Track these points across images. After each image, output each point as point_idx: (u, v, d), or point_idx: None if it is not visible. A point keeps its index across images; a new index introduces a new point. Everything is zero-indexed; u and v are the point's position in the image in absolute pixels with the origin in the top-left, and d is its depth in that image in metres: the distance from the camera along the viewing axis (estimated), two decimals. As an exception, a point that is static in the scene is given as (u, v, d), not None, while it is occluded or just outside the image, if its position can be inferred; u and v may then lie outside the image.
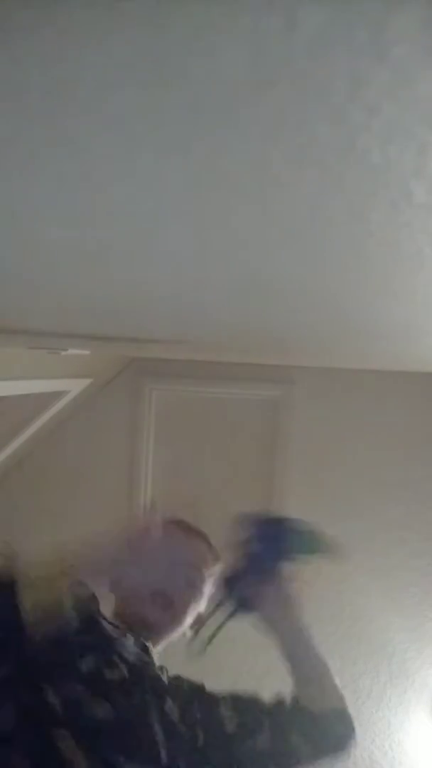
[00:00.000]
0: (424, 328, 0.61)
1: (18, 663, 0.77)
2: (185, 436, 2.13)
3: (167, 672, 0.94)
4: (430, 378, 1.93)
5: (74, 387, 1.79)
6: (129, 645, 0.90)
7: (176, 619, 0.97)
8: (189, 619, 0.99)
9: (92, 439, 2.16)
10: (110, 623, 0.93)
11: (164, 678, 0.92)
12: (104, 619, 0.92)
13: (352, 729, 0.97)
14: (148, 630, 0.95)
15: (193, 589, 0.99)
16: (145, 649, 0.93)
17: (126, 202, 0.26)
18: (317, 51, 0.15)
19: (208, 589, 1.03)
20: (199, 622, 1.02)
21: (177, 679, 0.95)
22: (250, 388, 2.05)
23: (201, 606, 1.02)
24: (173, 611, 0.97)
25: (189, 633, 1.02)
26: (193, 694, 0.94)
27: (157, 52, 0.15)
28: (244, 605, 0.96)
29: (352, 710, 1.08)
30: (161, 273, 0.40)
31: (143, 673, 0.87)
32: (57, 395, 1.76)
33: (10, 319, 0.69)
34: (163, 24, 0.14)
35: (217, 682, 1.00)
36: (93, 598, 0.93)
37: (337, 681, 1.07)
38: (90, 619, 0.89)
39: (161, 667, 0.94)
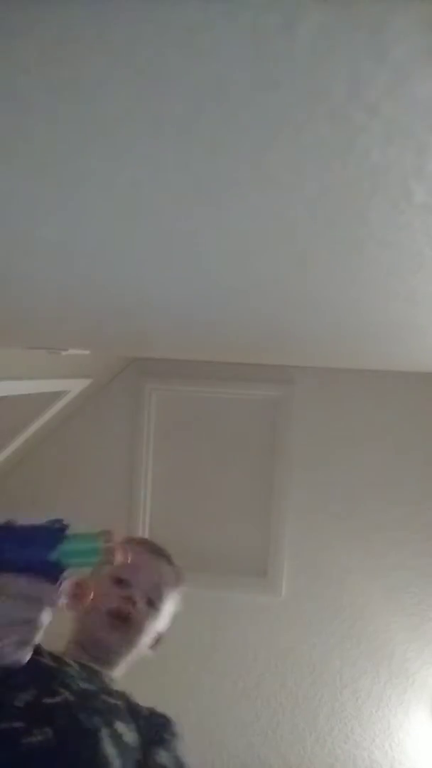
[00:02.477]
0: (423, 328, 0.61)
1: None
2: (185, 436, 2.13)
3: (130, 697, 0.91)
4: (430, 378, 1.93)
5: (74, 387, 1.80)
6: (72, 672, 0.88)
7: (132, 640, 0.96)
8: (146, 639, 0.98)
9: (92, 439, 2.16)
10: (51, 655, 0.90)
11: (121, 703, 0.88)
12: (42, 653, 0.89)
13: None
14: (104, 651, 0.94)
15: (152, 609, 0.98)
16: (95, 674, 0.91)
17: (126, 202, 0.26)
18: (317, 51, 0.15)
19: (168, 608, 1.02)
20: (159, 642, 1.02)
21: (137, 705, 0.91)
22: (250, 388, 2.05)
23: (160, 625, 1.01)
24: (128, 632, 0.95)
25: (148, 653, 1.01)
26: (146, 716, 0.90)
27: (157, 51, 0.15)
28: None
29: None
30: (161, 273, 0.40)
31: (91, 696, 0.85)
32: (57, 395, 1.76)
33: (10, 319, 0.69)
34: (164, 23, 0.14)
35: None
36: None
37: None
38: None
39: (121, 692, 0.91)
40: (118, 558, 0.67)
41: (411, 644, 2.00)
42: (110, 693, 0.88)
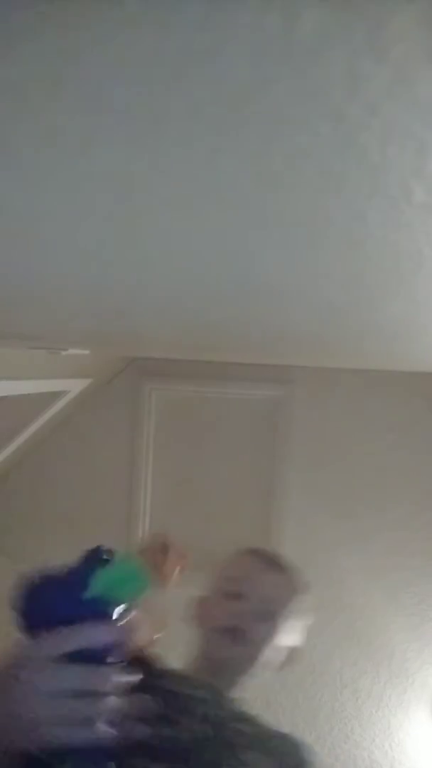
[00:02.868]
0: (423, 328, 0.61)
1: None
2: (185, 436, 2.13)
3: (258, 719, 0.86)
4: (430, 378, 1.93)
5: (74, 387, 1.80)
6: (197, 695, 0.84)
7: (250, 656, 0.91)
8: (269, 655, 0.92)
9: (92, 439, 2.16)
10: (175, 676, 0.86)
11: (247, 726, 0.84)
12: (165, 676, 0.85)
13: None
14: (222, 669, 0.89)
15: (269, 623, 0.92)
16: (219, 695, 0.87)
17: (125, 202, 0.26)
18: (316, 50, 0.15)
19: (291, 621, 0.96)
20: (294, 657, 0.97)
21: (267, 730, 0.86)
22: (250, 388, 2.05)
23: (284, 640, 0.95)
24: (245, 648, 0.90)
25: (278, 669, 0.96)
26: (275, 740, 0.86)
27: (156, 51, 0.15)
28: None
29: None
30: (161, 272, 0.40)
31: (219, 724, 0.80)
32: (57, 395, 1.76)
33: (10, 320, 0.69)
34: (163, 23, 0.14)
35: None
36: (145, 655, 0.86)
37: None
38: (149, 677, 0.80)
39: (248, 715, 0.87)
40: (169, 574, 0.64)
41: (411, 644, 2.00)
42: (238, 718, 0.84)
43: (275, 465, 2.06)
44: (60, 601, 0.60)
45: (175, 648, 0.94)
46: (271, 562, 1.00)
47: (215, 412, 2.11)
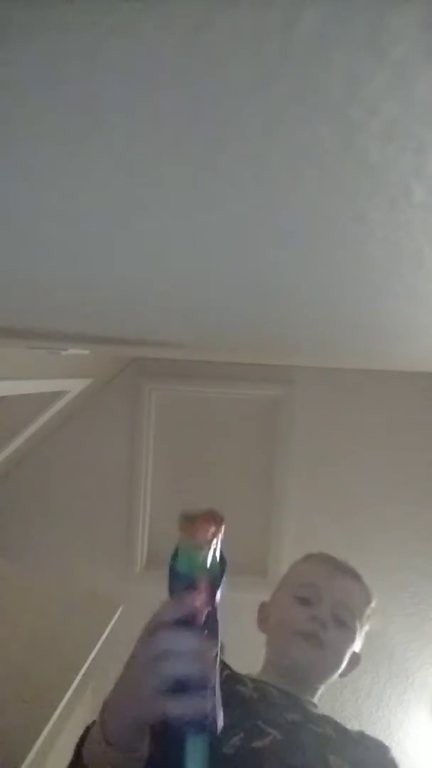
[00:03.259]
0: (424, 328, 0.61)
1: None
2: (185, 436, 2.13)
3: (337, 722, 0.86)
4: (430, 378, 1.93)
5: (74, 387, 1.80)
6: (275, 701, 0.83)
7: (327, 661, 0.91)
8: (344, 661, 0.93)
9: (92, 439, 2.16)
10: (252, 681, 0.85)
11: (330, 730, 0.83)
12: (243, 682, 0.84)
13: None
14: (301, 674, 0.89)
15: (343, 628, 0.93)
16: (297, 701, 0.86)
17: (124, 202, 0.26)
18: (316, 50, 0.15)
19: (363, 627, 0.97)
20: (356, 662, 0.97)
21: (346, 731, 0.85)
22: (250, 388, 2.05)
23: (356, 646, 0.96)
24: (322, 653, 0.89)
25: (345, 676, 0.95)
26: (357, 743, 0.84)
27: (156, 51, 0.15)
28: None
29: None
30: (160, 273, 0.40)
31: (299, 729, 0.79)
32: (57, 395, 1.76)
33: (10, 320, 0.69)
34: (162, 23, 0.14)
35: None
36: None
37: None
38: (227, 682, 0.80)
39: (327, 718, 0.86)
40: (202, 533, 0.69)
41: (411, 644, 2.00)
42: (317, 722, 0.83)
43: (275, 465, 2.06)
44: (173, 573, 0.70)
45: (243, 654, 0.94)
46: (343, 568, 1.01)
47: (215, 412, 2.11)
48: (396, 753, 0.84)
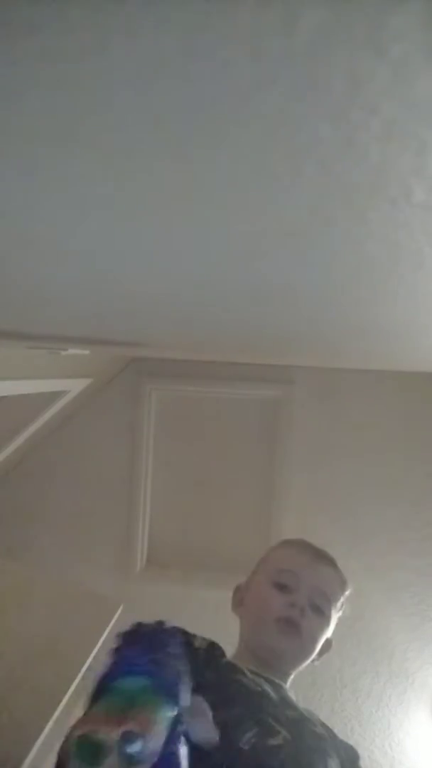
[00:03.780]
0: (423, 328, 0.61)
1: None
2: (185, 436, 2.13)
3: (317, 718, 0.86)
4: (430, 378, 1.94)
5: (74, 387, 1.80)
6: (271, 694, 0.82)
7: (305, 648, 0.92)
8: (317, 648, 0.94)
9: (92, 439, 2.16)
10: (252, 673, 0.84)
11: (321, 729, 0.83)
12: (242, 672, 0.84)
13: None
14: (279, 661, 0.90)
15: (319, 615, 0.93)
16: (282, 691, 0.86)
17: (124, 202, 0.26)
18: (316, 50, 0.15)
19: (336, 614, 0.97)
20: (327, 648, 0.98)
21: (329, 729, 0.85)
22: (250, 388, 2.05)
23: (328, 632, 0.97)
24: (300, 639, 0.90)
25: (316, 662, 0.97)
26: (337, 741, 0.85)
27: (155, 51, 0.15)
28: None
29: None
30: (160, 272, 0.40)
31: (302, 728, 0.79)
32: (57, 395, 1.76)
33: (10, 320, 0.69)
34: (162, 23, 0.14)
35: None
36: (215, 646, 0.85)
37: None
38: (227, 671, 0.81)
39: (309, 711, 0.86)
40: None
41: (411, 644, 2.00)
42: (310, 719, 0.83)
43: (275, 465, 2.06)
44: None
45: (235, 625, 0.95)
46: (321, 554, 1.02)
47: (215, 412, 2.11)
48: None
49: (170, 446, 2.14)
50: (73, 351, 1.25)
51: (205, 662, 0.81)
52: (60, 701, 1.23)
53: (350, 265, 0.35)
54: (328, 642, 0.97)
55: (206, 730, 0.62)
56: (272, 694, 0.83)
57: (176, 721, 0.58)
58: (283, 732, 0.75)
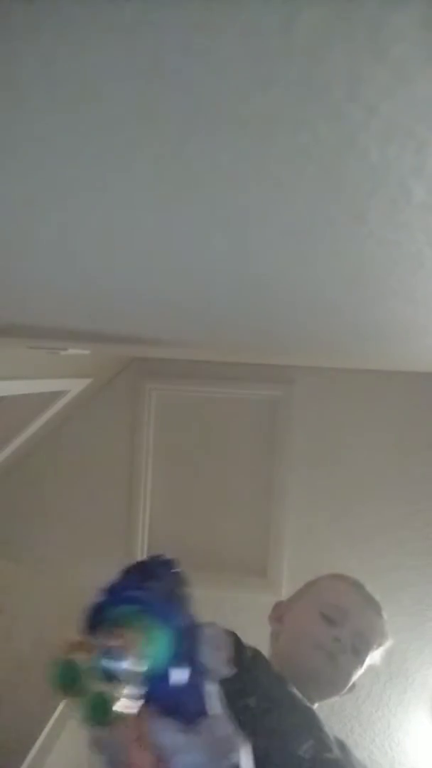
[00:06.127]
0: (424, 328, 0.61)
1: None
2: (185, 436, 2.13)
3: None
4: (430, 378, 1.93)
5: (74, 387, 1.80)
6: (309, 709, 0.83)
7: (336, 682, 0.93)
8: (348, 687, 0.95)
9: (92, 439, 2.16)
10: (291, 683, 0.86)
11: (353, 757, 0.83)
12: (286, 681, 0.85)
13: None
14: (311, 685, 0.90)
15: (356, 657, 0.95)
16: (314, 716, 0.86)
17: (124, 202, 0.26)
18: (315, 50, 0.15)
19: (370, 661, 0.99)
20: (350, 691, 0.98)
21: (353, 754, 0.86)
22: (250, 388, 2.05)
23: (358, 674, 0.98)
24: (334, 673, 0.92)
25: (337, 698, 0.97)
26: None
27: (155, 51, 0.15)
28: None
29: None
30: (160, 272, 0.40)
31: (346, 751, 0.80)
32: (57, 395, 1.76)
33: (10, 319, 0.69)
34: (162, 23, 0.14)
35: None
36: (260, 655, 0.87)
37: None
38: (278, 680, 0.83)
39: (338, 738, 0.86)
40: None
41: (411, 644, 2.00)
42: (337, 742, 0.83)
43: (275, 465, 2.06)
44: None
45: (235, 625, 0.95)
46: (372, 601, 1.04)
47: (215, 412, 2.11)
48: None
49: (170, 446, 2.14)
50: (73, 351, 1.25)
51: (253, 666, 0.82)
52: (60, 701, 1.23)
53: (350, 265, 0.35)
54: (353, 685, 0.99)
55: (216, 660, 0.59)
56: (305, 702, 0.85)
57: (181, 646, 0.55)
58: (335, 748, 0.76)
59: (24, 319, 0.69)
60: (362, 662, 0.97)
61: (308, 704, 0.84)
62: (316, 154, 0.20)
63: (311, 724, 0.79)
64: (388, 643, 1.03)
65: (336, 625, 0.96)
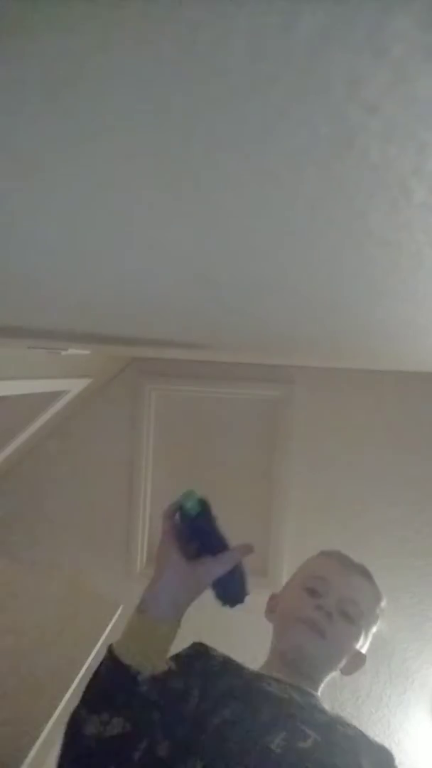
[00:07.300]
0: (424, 328, 0.61)
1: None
2: (185, 436, 2.13)
3: (346, 722, 0.86)
4: (430, 378, 1.93)
5: (74, 387, 1.80)
6: (298, 700, 0.83)
7: (331, 653, 0.92)
8: (346, 656, 0.94)
9: (92, 439, 2.16)
10: (273, 681, 0.86)
11: (350, 731, 0.83)
12: (265, 679, 0.86)
13: None
14: (306, 664, 0.90)
15: (347, 622, 0.94)
16: (311, 698, 0.87)
17: (125, 202, 0.26)
18: (316, 50, 0.15)
19: (369, 627, 0.98)
20: (360, 662, 0.97)
21: (359, 731, 0.85)
22: (250, 388, 2.05)
23: (361, 645, 0.97)
24: (325, 642, 0.91)
25: (348, 674, 0.96)
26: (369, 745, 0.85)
27: (155, 51, 0.15)
28: None
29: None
30: (160, 272, 0.40)
31: (331, 730, 0.79)
32: (57, 395, 1.76)
33: (10, 320, 0.69)
34: (162, 23, 0.14)
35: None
36: (229, 660, 0.88)
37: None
38: (251, 679, 0.83)
39: (339, 716, 0.86)
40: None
41: (411, 644, 2.00)
42: (340, 722, 0.84)
43: (275, 465, 2.06)
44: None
45: (244, 651, 0.96)
46: (355, 565, 1.04)
47: (215, 412, 2.11)
48: (396, 753, 0.84)
49: (170, 446, 2.14)
50: (73, 351, 1.25)
51: (222, 674, 0.82)
52: (60, 701, 1.23)
53: (350, 265, 0.35)
54: (359, 656, 0.98)
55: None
56: (299, 700, 0.84)
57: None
58: (313, 735, 0.75)
59: (24, 320, 0.69)
60: (358, 627, 0.95)
61: (286, 696, 0.83)
62: (316, 154, 0.20)
63: (284, 716, 0.78)
64: (384, 603, 1.02)
65: (319, 595, 0.95)
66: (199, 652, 0.89)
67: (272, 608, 1.04)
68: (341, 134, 0.19)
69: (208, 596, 0.81)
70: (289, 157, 0.20)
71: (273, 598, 1.07)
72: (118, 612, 1.51)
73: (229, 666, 0.87)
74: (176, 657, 0.87)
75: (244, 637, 0.94)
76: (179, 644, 0.84)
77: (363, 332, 0.70)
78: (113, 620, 1.49)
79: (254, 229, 0.29)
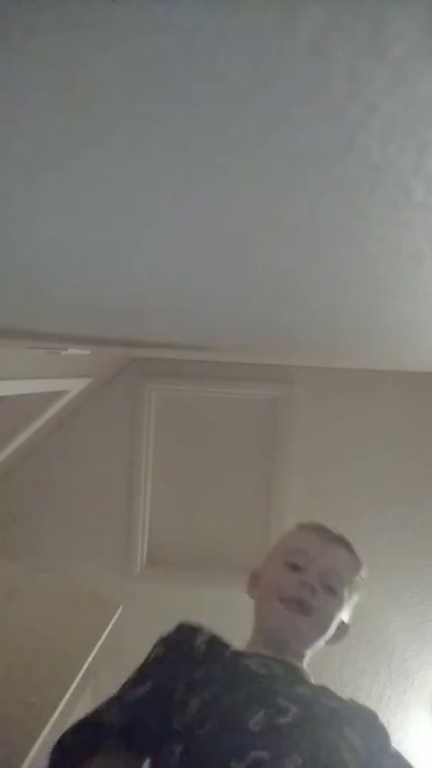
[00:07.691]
0: (424, 328, 0.61)
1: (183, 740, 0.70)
2: (185, 436, 2.13)
3: (331, 693, 0.85)
4: (430, 378, 1.93)
5: (74, 387, 1.80)
6: (280, 674, 0.83)
7: (316, 626, 0.91)
8: (332, 628, 0.93)
9: (92, 439, 2.16)
10: (255, 656, 0.86)
11: (335, 702, 0.83)
12: (247, 655, 0.85)
13: None
14: (290, 640, 0.89)
15: (331, 595, 0.93)
16: (295, 671, 0.86)
17: (125, 202, 0.26)
18: (317, 50, 0.15)
19: (352, 596, 0.97)
20: (344, 632, 0.97)
21: (343, 701, 0.85)
22: (250, 388, 2.05)
23: (345, 615, 0.96)
24: (311, 618, 0.90)
25: (331, 645, 0.95)
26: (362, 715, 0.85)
27: (156, 51, 0.15)
28: None
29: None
30: (161, 273, 0.40)
31: (314, 704, 0.79)
32: (57, 395, 1.76)
33: (10, 320, 0.69)
34: (163, 23, 0.14)
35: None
36: (216, 639, 0.88)
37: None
38: (232, 659, 0.83)
39: (323, 687, 0.86)
40: None
41: (411, 644, 2.00)
42: (323, 694, 0.83)
43: (275, 465, 2.06)
44: None
45: (235, 624, 0.95)
46: (333, 536, 1.03)
47: (215, 412, 2.11)
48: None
49: (170, 446, 2.14)
50: (73, 351, 1.25)
51: (205, 659, 0.82)
52: (59, 702, 1.23)
53: (350, 265, 0.35)
54: (344, 626, 0.97)
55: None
56: (282, 674, 0.84)
57: None
58: (293, 709, 0.75)
59: (25, 321, 0.69)
60: (341, 599, 0.95)
61: (267, 671, 0.83)
62: (316, 154, 0.20)
63: (264, 693, 0.77)
64: (364, 571, 1.01)
65: (302, 569, 0.94)
66: (184, 634, 0.89)
67: (254, 584, 1.04)
68: (342, 134, 0.19)
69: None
70: (290, 157, 0.20)
71: (254, 574, 1.06)
72: (118, 612, 1.51)
73: (213, 646, 0.87)
74: (163, 641, 0.87)
75: (234, 616, 0.93)
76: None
77: (363, 332, 0.70)
78: (113, 620, 1.49)
79: (254, 229, 0.29)
